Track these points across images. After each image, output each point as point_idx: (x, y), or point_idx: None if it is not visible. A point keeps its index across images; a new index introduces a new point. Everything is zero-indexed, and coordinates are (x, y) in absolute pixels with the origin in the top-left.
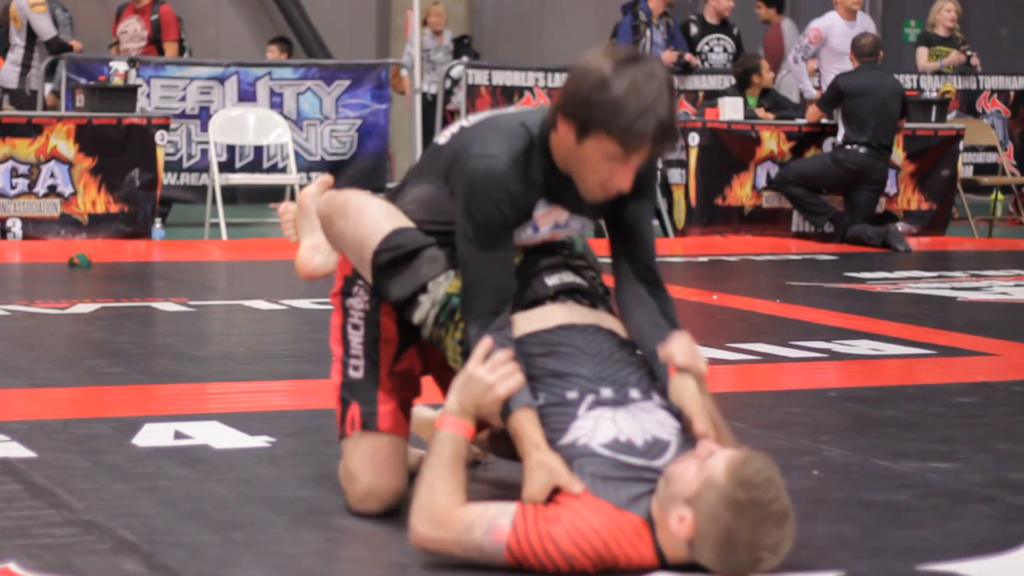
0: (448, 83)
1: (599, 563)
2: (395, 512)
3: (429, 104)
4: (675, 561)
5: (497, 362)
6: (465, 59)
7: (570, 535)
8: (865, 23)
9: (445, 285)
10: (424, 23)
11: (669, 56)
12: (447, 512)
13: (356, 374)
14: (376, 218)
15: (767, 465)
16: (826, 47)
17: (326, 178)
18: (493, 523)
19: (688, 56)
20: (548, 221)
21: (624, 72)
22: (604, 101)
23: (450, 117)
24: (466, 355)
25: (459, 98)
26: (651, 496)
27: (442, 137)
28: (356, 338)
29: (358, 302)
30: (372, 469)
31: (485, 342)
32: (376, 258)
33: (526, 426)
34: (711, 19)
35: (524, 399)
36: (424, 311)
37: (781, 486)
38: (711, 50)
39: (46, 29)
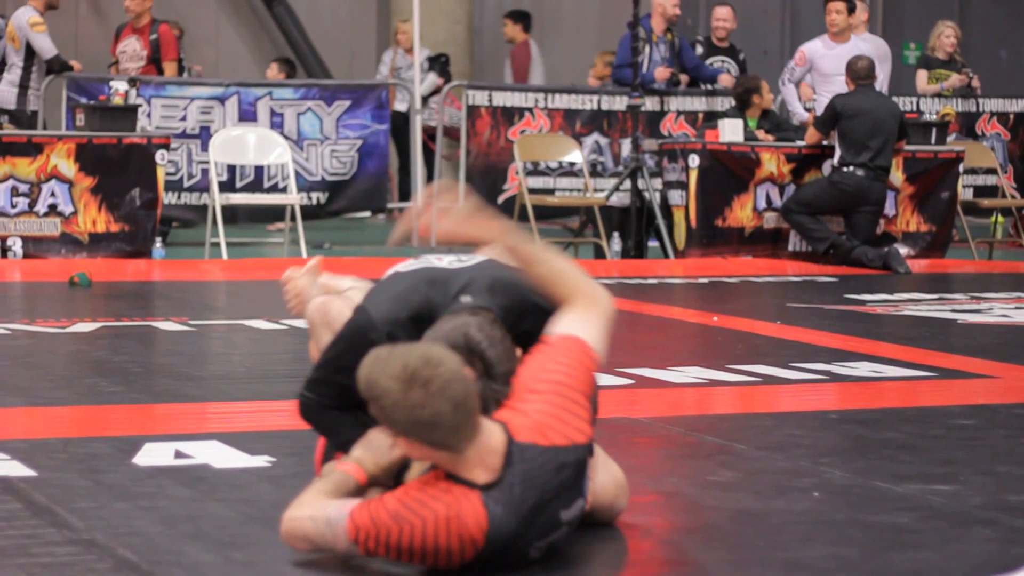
0: (419, 102)
1: (423, 523)
2: None
3: (404, 123)
4: (479, 466)
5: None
6: (432, 76)
7: (407, 500)
8: (865, 47)
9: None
10: (395, 41)
11: (662, 73)
12: (307, 501)
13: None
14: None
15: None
16: (814, 70)
17: (316, 262)
18: (345, 503)
19: (682, 76)
20: None
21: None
22: None
23: (425, 136)
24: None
25: (424, 116)
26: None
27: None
28: None
29: None
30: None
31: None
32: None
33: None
34: (716, 41)
35: None
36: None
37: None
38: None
39: (47, 48)
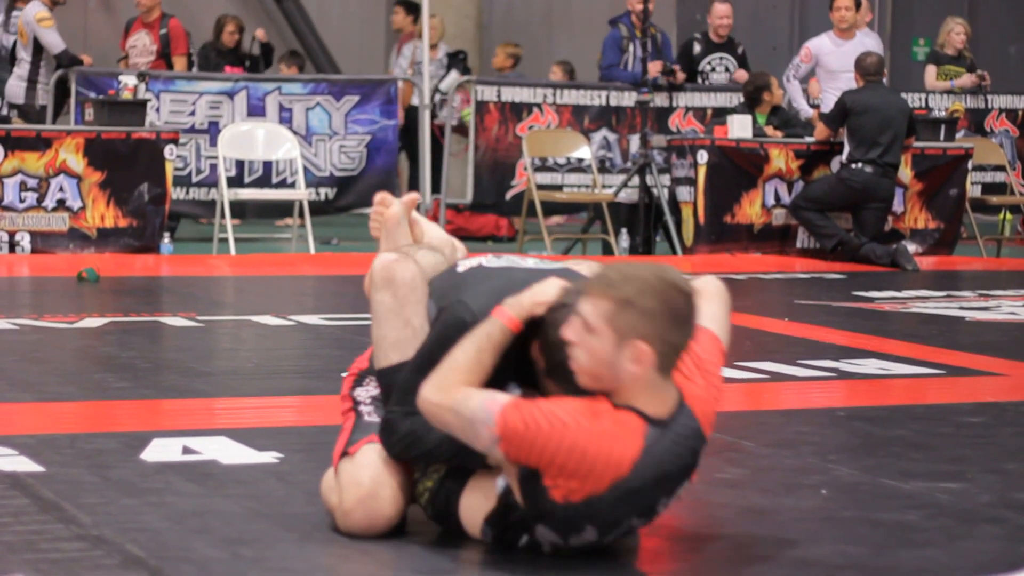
0: (437, 97)
1: (579, 432)
2: (401, 531)
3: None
4: (655, 400)
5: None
6: (454, 72)
7: (562, 407)
8: (870, 43)
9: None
10: (418, 36)
11: (654, 67)
12: (454, 384)
13: (372, 419)
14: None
15: (612, 265)
16: (820, 66)
17: (413, 196)
18: (491, 396)
19: (675, 68)
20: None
21: None
22: None
23: (438, 132)
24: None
25: (445, 113)
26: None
27: (463, 264)
28: (370, 409)
29: (366, 391)
30: (379, 476)
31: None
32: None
33: None
34: (715, 38)
35: None
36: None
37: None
38: (712, 69)
39: (55, 43)
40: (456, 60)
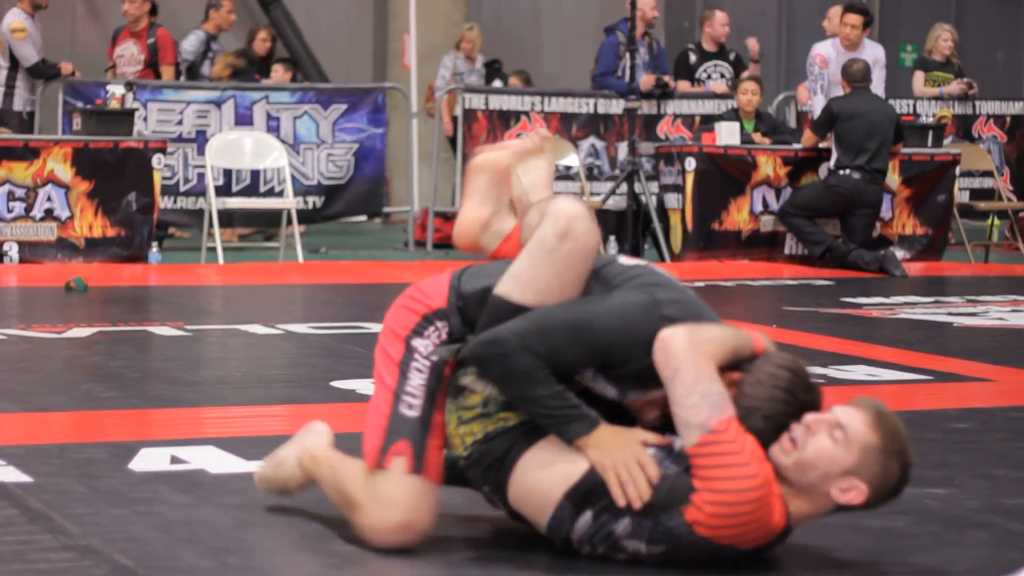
0: (415, 106)
1: (763, 494)
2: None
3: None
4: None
5: None
6: (498, 83)
7: (761, 457)
8: (875, 52)
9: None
10: (457, 47)
11: (647, 80)
12: (710, 355)
13: (410, 412)
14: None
15: (882, 404)
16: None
17: (533, 140)
18: (727, 395)
19: (668, 79)
20: (636, 397)
21: None
22: None
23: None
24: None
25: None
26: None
27: (624, 258)
28: (418, 379)
29: (426, 346)
30: (415, 504)
31: None
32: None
33: None
34: (708, 47)
35: None
36: (478, 389)
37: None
38: (709, 77)
39: (27, 56)
40: (494, 69)
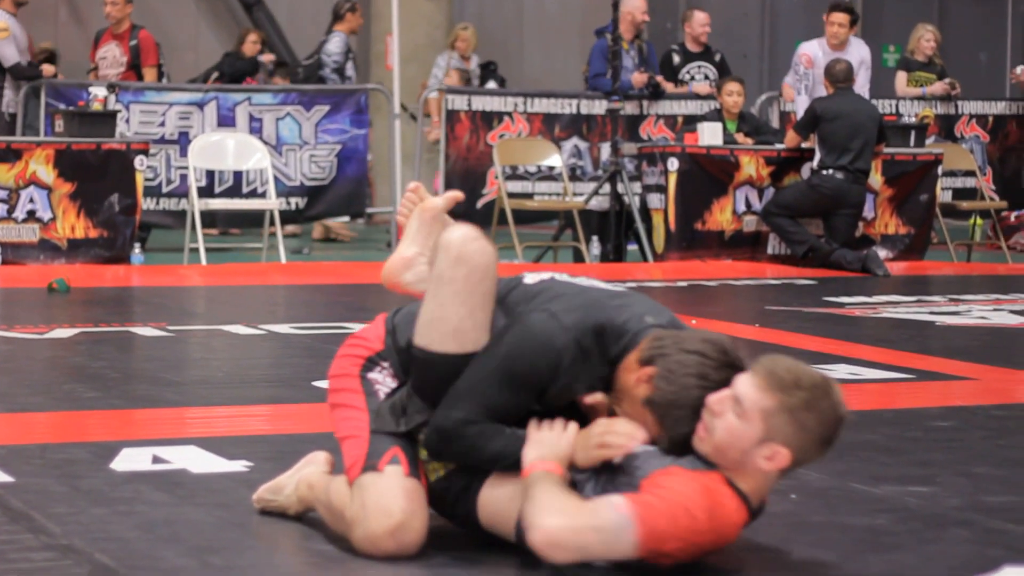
0: (397, 107)
1: (710, 520)
2: None
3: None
4: (759, 502)
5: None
6: (492, 83)
7: (683, 492)
8: (861, 52)
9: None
10: (452, 47)
11: (639, 79)
12: (573, 504)
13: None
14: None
15: (779, 360)
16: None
17: (455, 195)
18: (607, 499)
19: (660, 79)
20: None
21: None
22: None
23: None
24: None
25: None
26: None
27: (530, 277)
28: (383, 383)
29: (381, 377)
30: (410, 506)
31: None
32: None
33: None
34: (692, 47)
35: None
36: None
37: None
38: (693, 78)
39: (8, 56)
40: (488, 71)
